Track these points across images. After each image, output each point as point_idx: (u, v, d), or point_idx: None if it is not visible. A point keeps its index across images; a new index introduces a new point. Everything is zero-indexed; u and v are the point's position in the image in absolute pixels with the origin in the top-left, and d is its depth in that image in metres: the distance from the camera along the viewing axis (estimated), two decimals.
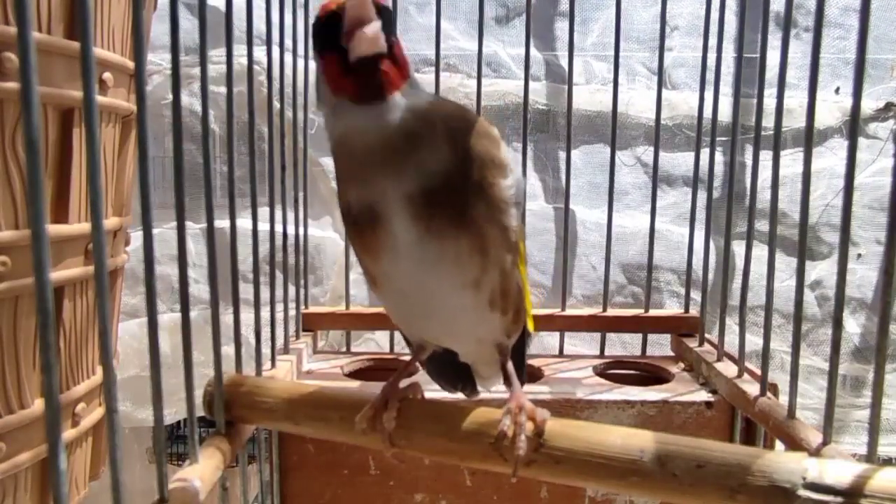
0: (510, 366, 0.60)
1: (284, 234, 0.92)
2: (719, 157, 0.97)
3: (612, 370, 0.99)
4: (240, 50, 0.72)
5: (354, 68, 0.47)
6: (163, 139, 1.19)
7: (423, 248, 0.49)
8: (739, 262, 0.87)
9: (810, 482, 0.46)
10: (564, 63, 1.14)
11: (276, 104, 0.88)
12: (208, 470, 0.55)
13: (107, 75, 0.70)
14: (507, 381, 0.58)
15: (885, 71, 1.25)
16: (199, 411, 0.58)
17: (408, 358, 0.64)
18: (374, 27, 0.46)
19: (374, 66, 0.47)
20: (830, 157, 1.24)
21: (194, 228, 1.15)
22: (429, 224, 0.48)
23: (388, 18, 0.48)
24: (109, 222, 0.76)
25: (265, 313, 0.75)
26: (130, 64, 0.74)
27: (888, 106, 1.25)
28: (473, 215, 0.49)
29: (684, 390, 0.84)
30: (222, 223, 0.60)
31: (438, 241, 0.49)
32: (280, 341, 0.88)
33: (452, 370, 0.68)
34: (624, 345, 1.15)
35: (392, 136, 0.48)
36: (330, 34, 0.48)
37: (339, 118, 0.50)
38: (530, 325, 0.63)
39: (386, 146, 0.48)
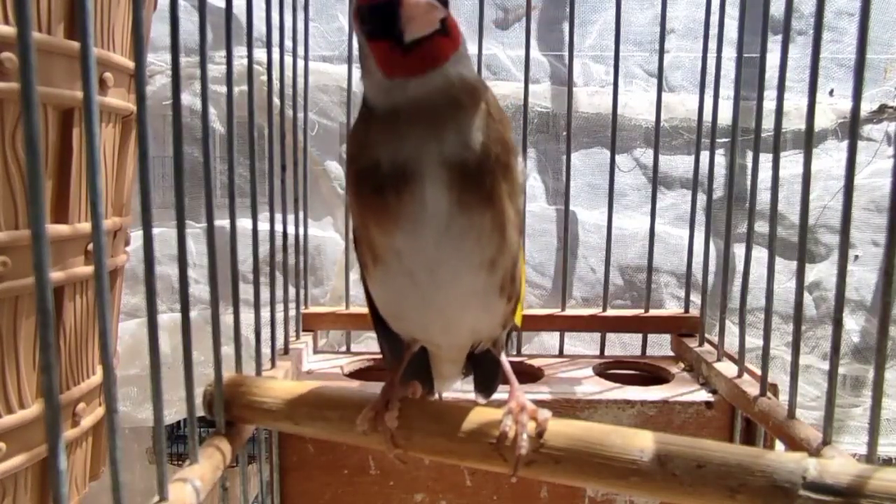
0: (507, 364, 0.60)
1: (284, 235, 0.92)
2: (717, 160, 0.97)
3: (612, 370, 0.99)
4: (240, 51, 0.72)
5: (409, 48, 0.47)
6: (163, 139, 1.19)
7: (450, 220, 0.48)
8: (738, 265, 0.87)
9: (810, 482, 0.46)
10: (562, 65, 1.14)
11: (277, 103, 0.88)
12: (208, 470, 0.55)
13: (107, 75, 0.70)
14: (507, 381, 0.58)
15: (879, 73, 1.25)
16: (199, 411, 0.58)
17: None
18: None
19: (429, 43, 0.47)
20: (826, 160, 1.24)
21: (194, 228, 1.15)
22: (460, 195, 0.48)
23: None
24: (109, 222, 0.75)
25: (265, 313, 0.75)
26: (130, 64, 0.74)
27: (882, 108, 1.25)
28: (499, 193, 0.49)
29: (684, 390, 0.84)
30: (222, 223, 0.60)
31: (467, 215, 0.48)
32: (280, 341, 0.88)
33: (416, 367, 0.65)
34: (624, 345, 1.15)
35: (437, 98, 0.48)
36: (381, 20, 0.48)
37: (390, 95, 0.50)
38: (518, 318, 0.62)
39: (431, 106, 0.48)
